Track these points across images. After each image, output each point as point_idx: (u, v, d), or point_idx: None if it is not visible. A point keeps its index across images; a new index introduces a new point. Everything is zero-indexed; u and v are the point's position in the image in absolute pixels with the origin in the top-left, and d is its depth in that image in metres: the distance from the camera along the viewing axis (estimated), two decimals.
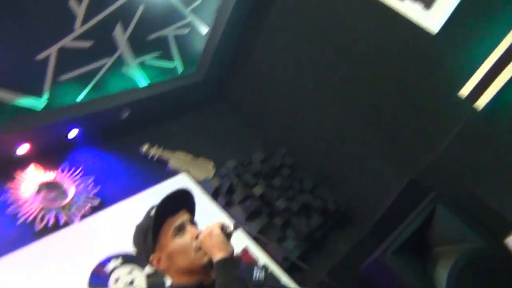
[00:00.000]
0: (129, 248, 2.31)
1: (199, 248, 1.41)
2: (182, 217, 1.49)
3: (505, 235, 2.34)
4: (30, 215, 2.37)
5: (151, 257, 1.49)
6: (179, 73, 3.41)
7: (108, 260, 2.37)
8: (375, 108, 2.93)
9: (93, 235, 2.44)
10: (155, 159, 2.99)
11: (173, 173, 2.96)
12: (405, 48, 2.71)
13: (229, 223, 1.46)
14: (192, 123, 3.51)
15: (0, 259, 2.14)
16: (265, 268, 1.64)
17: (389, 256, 2.38)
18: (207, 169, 3.00)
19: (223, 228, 1.41)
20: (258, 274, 1.55)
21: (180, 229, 1.46)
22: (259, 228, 2.68)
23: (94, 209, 2.55)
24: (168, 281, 1.52)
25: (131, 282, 2.33)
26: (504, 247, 2.31)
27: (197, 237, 1.43)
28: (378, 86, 2.88)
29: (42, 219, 2.38)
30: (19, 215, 2.35)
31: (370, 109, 2.95)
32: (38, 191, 2.50)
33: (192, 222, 1.51)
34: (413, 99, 2.76)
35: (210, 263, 1.39)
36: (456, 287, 2.17)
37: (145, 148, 2.99)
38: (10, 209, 2.36)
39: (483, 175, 2.55)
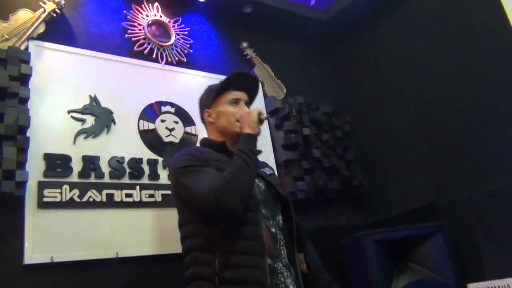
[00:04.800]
0: (188, 106, 2.80)
1: (238, 120, 1.81)
2: (242, 95, 1.95)
3: None
4: (137, 37, 2.87)
5: (205, 110, 1.95)
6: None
7: (167, 103, 2.84)
8: None
9: (166, 80, 2.91)
10: (247, 57, 3.35)
11: None
12: None
13: (265, 112, 1.82)
14: (297, 51, 3.73)
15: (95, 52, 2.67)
16: (272, 170, 2.04)
17: (369, 242, 2.59)
18: (279, 91, 3.31)
19: (260, 114, 1.78)
20: (267, 170, 1.93)
21: (236, 102, 1.93)
22: (287, 158, 3.00)
23: (179, 63, 2.99)
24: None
25: (172, 129, 2.79)
26: None
27: None
28: None
29: (141, 45, 2.87)
30: (129, 31, 2.86)
31: None
32: (150, 25, 2.97)
33: (246, 104, 1.92)
34: None
35: (239, 135, 1.76)
36: None
37: (244, 45, 3.35)
38: (125, 23, 2.87)
39: None
